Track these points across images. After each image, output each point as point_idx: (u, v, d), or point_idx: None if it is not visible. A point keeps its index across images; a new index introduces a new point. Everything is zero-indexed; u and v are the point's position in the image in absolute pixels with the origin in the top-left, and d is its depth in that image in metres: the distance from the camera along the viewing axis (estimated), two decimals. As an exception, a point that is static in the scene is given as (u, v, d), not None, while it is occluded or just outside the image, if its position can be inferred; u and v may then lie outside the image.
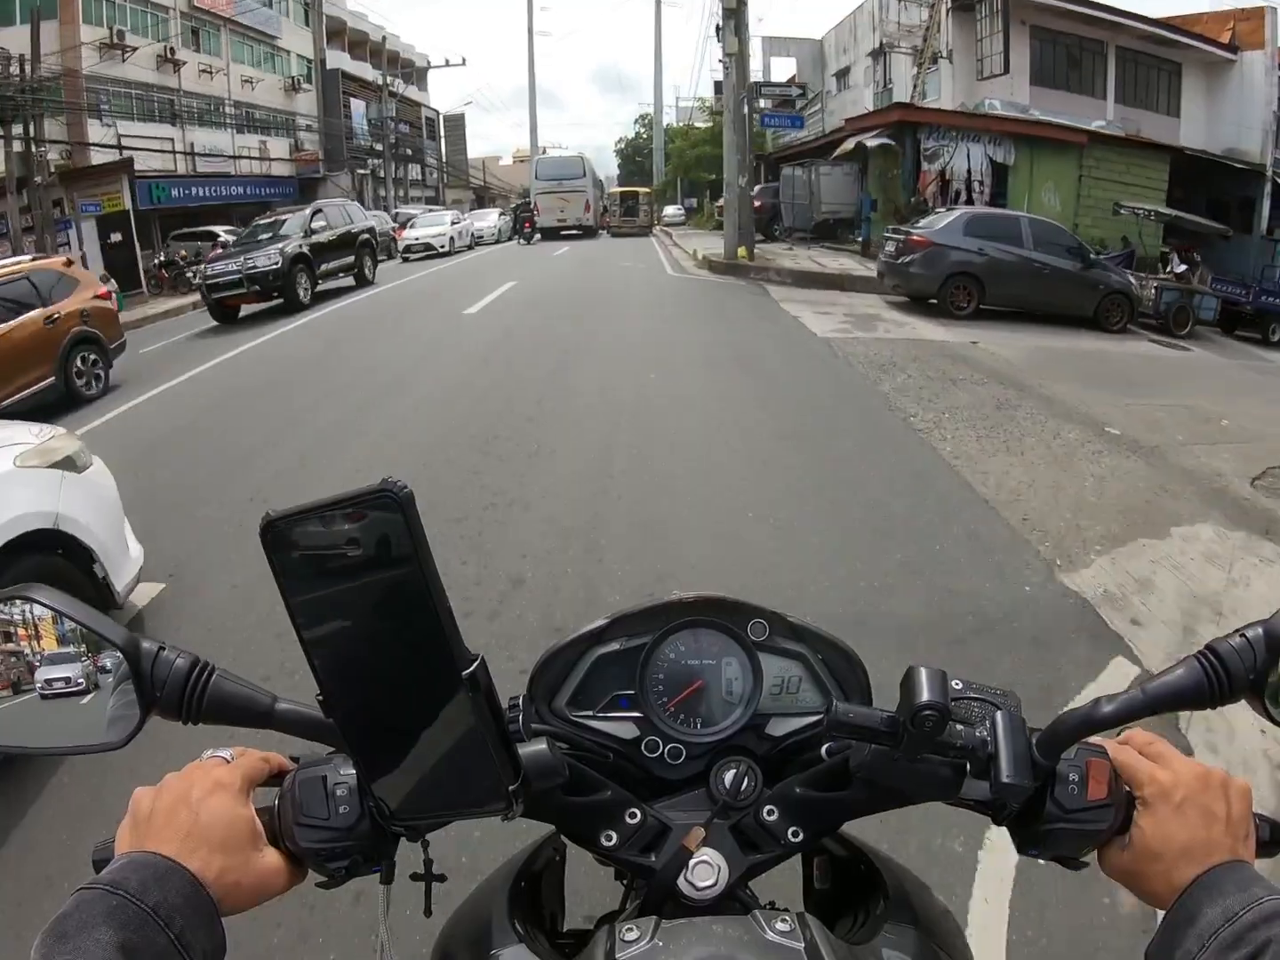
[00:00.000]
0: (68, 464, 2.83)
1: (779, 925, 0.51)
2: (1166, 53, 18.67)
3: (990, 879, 1.85)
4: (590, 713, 0.71)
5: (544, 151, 37.79)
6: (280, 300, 11.88)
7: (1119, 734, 0.61)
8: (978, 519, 3.96)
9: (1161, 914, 0.52)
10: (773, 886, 0.72)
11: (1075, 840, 0.57)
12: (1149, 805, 0.55)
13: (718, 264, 15.22)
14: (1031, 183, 15.37)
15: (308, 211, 13.18)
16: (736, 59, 14.35)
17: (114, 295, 16.73)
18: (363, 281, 14.73)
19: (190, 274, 16.87)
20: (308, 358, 8.45)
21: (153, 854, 0.49)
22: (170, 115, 26.57)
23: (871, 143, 15.45)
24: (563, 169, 28.79)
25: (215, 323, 11.85)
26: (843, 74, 26.15)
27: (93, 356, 7.72)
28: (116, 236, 20.64)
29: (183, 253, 19.91)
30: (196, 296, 13.49)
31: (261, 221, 13.48)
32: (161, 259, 20.68)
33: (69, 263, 8.22)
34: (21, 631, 0.56)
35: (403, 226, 24.08)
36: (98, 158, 21.58)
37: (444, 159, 47.72)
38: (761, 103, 16.51)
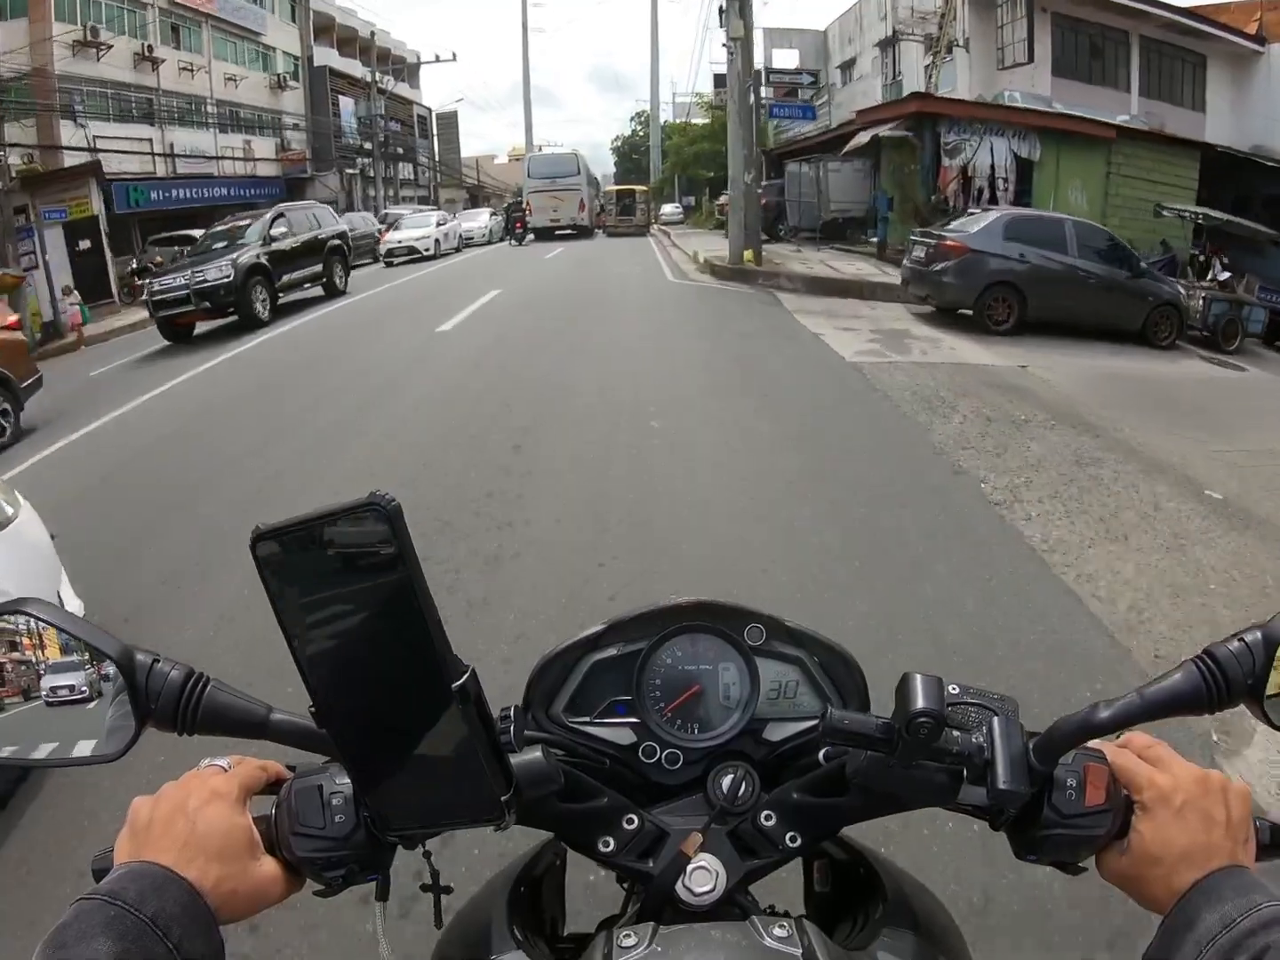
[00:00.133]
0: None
1: (776, 931, 0.52)
2: (1191, 44, 17.83)
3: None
4: (587, 719, 0.70)
5: (539, 150, 36.69)
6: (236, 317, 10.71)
7: (1118, 738, 0.59)
8: (1105, 663, 2.86)
9: (1159, 919, 0.52)
10: (774, 890, 0.73)
11: (1073, 846, 0.57)
12: (1148, 810, 0.55)
13: (721, 268, 14.09)
14: (1058, 180, 14.22)
15: (267, 217, 11.81)
16: (742, 44, 13.12)
17: (80, 308, 15.95)
18: (333, 292, 13.52)
19: (156, 284, 15.66)
20: (242, 395, 7.31)
21: (150, 864, 0.49)
22: (149, 115, 25.64)
23: (888, 134, 14.17)
24: (556, 166, 27.66)
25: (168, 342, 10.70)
26: (847, 66, 25.08)
27: (-4, 398, 6.58)
28: (85, 244, 19.77)
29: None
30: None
31: (217, 228, 12.18)
32: (134, 265, 19.67)
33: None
34: (26, 641, 0.57)
35: (391, 228, 22.81)
36: (71, 161, 20.50)
37: (437, 158, 46.86)
38: (765, 91, 14.96)
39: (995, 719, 0.57)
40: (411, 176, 41.51)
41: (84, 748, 0.57)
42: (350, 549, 0.44)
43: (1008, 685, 2.51)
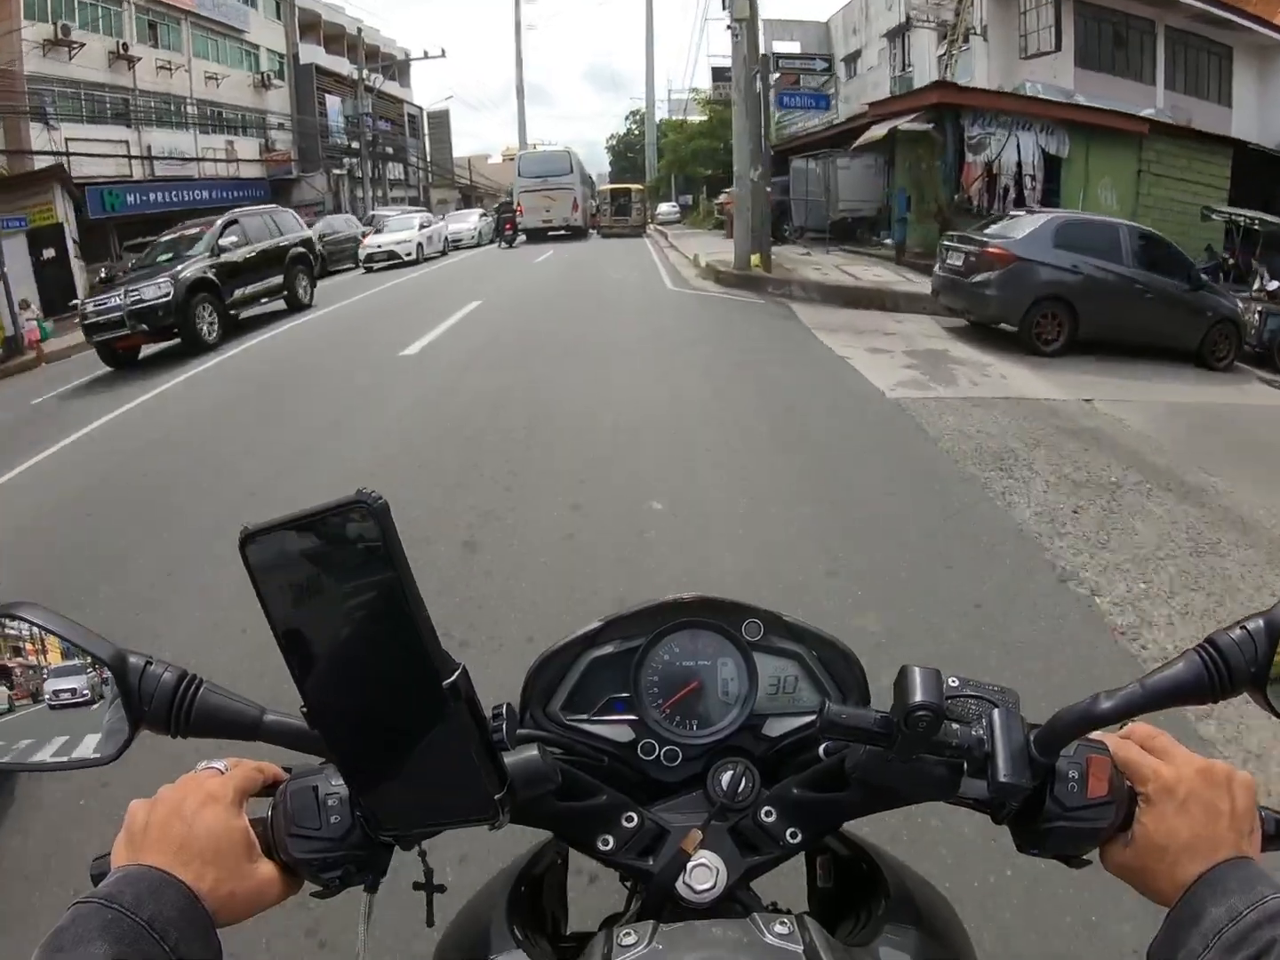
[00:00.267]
0: None
1: (778, 928, 0.51)
2: (1217, 35, 16.90)
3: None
4: (585, 717, 0.70)
5: (534, 149, 35.67)
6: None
7: (1121, 728, 0.59)
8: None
9: (1165, 911, 0.51)
10: (777, 886, 0.71)
11: (1076, 838, 0.56)
12: (1151, 801, 0.54)
13: (726, 275, 12.98)
14: (1087, 178, 13.13)
15: (218, 224, 10.53)
16: (748, 25, 11.90)
17: (38, 323, 14.82)
18: (296, 305, 12.26)
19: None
20: (128, 465, 5.82)
21: (147, 867, 0.49)
22: (125, 116, 24.72)
23: (908, 128, 12.95)
24: (548, 165, 26.51)
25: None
26: (852, 59, 24.06)
27: None
28: (50, 253, 18.78)
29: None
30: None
31: (165, 238, 10.90)
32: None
33: None
34: (29, 646, 0.57)
35: (376, 231, 21.59)
36: (43, 166, 19.47)
37: (428, 157, 45.87)
38: (773, 76, 13.31)
39: (995, 711, 0.56)
40: (402, 177, 40.73)
41: (82, 750, 0.57)
42: (338, 547, 0.44)
43: None
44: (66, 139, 21.65)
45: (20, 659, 0.57)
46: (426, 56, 36.16)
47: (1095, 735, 0.57)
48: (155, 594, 3.60)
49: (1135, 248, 8.22)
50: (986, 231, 8.59)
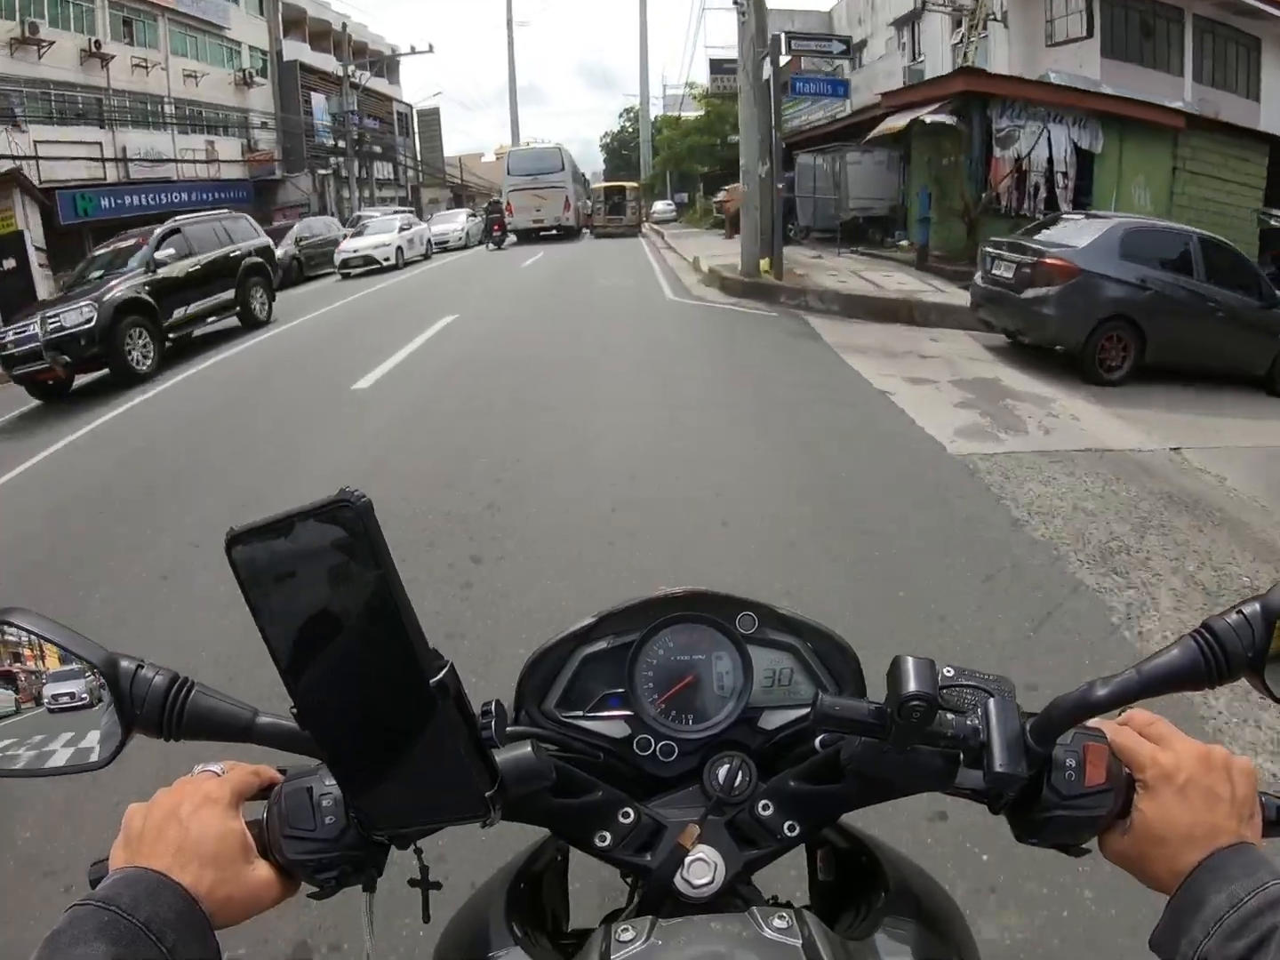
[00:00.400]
0: None
1: (776, 922, 0.51)
2: (1245, 24, 16.08)
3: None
4: (580, 713, 0.69)
5: (528, 145, 34.68)
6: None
7: (1119, 715, 0.58)
8: None
9: (1166, 899, 0.50)
10: (778, 880, 0.70)
11: (1074, 827, 0.55)
12: (1150, 788, 0.53)
13: (733, 282, 11.84)
14: (1120, 176, 12.03)
15: (155, 234, 9.22)
16: (754, 5, 10.77)
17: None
18: (251, 322, 11.03)
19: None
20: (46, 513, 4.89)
21: (145, 869, 0.49)
22: (98, 116, 23.74)
23: (933, 119, 11.77)
24: (539, 162, 25.50)
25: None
26: (858, 49, 22.89)
27: None
28: (10, 263, 17.79)
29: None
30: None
31: (99, 253, 9.62)
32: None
33: None
34: (28, 651, 0.57)
35: (356, 234, 20.40)
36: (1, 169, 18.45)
37: (418, 156, 44.84)
38: (783, 60, 11.72)
39: (991, 700, 0.55)
40: (392, 176, 39.74)
41: (78, 755, 0.57)
42: (323, 547, 0.43)
43: None
44: (35, 141, 20.66)
45: (20, 664, 0.57)
46: (414, 52, 35.18)
47: (1092, 723, 0.56)
48: None
49: (1207, 260, 7.12)
50: (1037, 238, 7.45)
